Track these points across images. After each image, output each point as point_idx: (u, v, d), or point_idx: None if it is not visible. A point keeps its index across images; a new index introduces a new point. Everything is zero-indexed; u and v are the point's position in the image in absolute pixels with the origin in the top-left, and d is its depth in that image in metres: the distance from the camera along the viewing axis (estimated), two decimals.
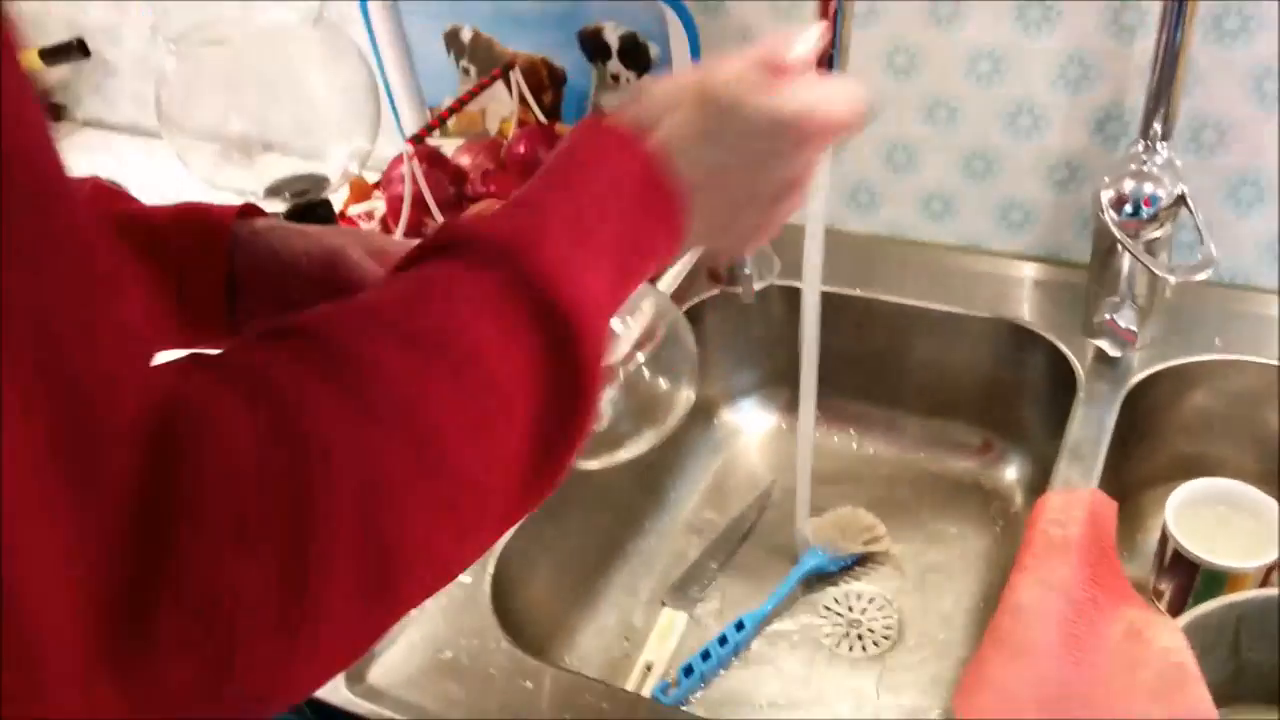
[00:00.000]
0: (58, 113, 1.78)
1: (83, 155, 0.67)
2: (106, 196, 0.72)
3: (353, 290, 0.60)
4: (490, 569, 0.89)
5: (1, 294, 0.27)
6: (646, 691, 0.94)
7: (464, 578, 0.89)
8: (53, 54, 1.60)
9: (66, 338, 0.29)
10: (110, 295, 0.32)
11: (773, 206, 0.57)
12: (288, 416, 0.35)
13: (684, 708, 0.92)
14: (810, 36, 0.57)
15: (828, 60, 0.80)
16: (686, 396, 0.71)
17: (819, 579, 1.04)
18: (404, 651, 0.84)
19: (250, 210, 0.72)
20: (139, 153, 1.61)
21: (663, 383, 0.70)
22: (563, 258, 0.46)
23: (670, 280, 1.19)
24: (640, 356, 0.68)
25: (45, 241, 0.29)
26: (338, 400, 0.37)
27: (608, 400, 0.67)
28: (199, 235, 0.68)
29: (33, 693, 0.28)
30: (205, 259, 0.67)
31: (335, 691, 0.81)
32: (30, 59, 1.67)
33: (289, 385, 0.37)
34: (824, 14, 0.81)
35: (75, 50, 1.61)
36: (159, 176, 1.38)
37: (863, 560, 1.05)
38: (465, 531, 0.42)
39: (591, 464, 0.70)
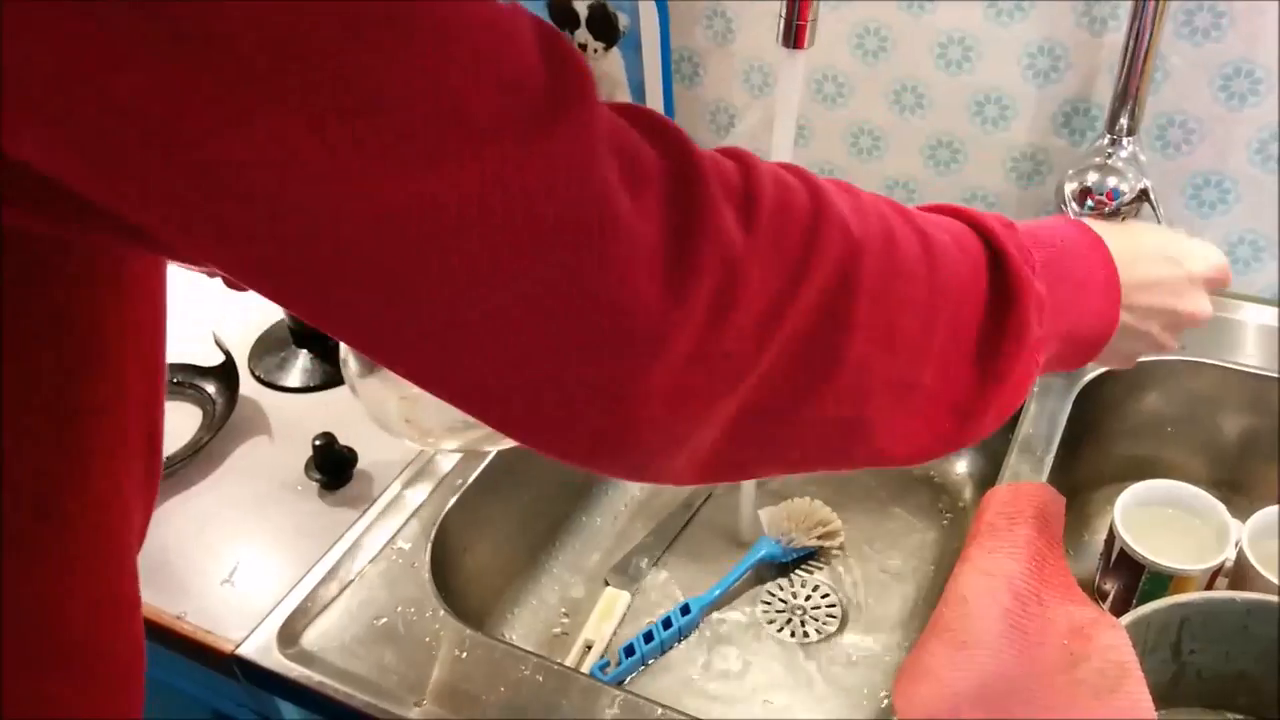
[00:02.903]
0: None
1: None
2: None
3: None
4: (431, 536, 0.88)
5: None
6: (585, 670, 0.93)
7: (403, 544, 0.87)
8: None
9: None
10: None
11: (1160, 334, 0.65)
12: (816, 194, 0.45)
13: (622, 687, 0.91)
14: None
15: (792, 37, 0.79)
16: None
17: (765, 564, 1.03)
18: (340, 617, 0.82)
19: None
20: None
21: None
22: (1028, 262, 0.55)
23: None
24: None
25: None
26: (851, 210, 0.47)
27: None
28: None
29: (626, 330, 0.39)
30: None
31: (267, 654, 0.79)
32: None
33: (812, 181, 0.47)
34: None
35: None
36: None
37: (813, 552, 1.04)
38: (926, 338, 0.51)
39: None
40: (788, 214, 0.44)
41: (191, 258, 0.43)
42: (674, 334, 0.40)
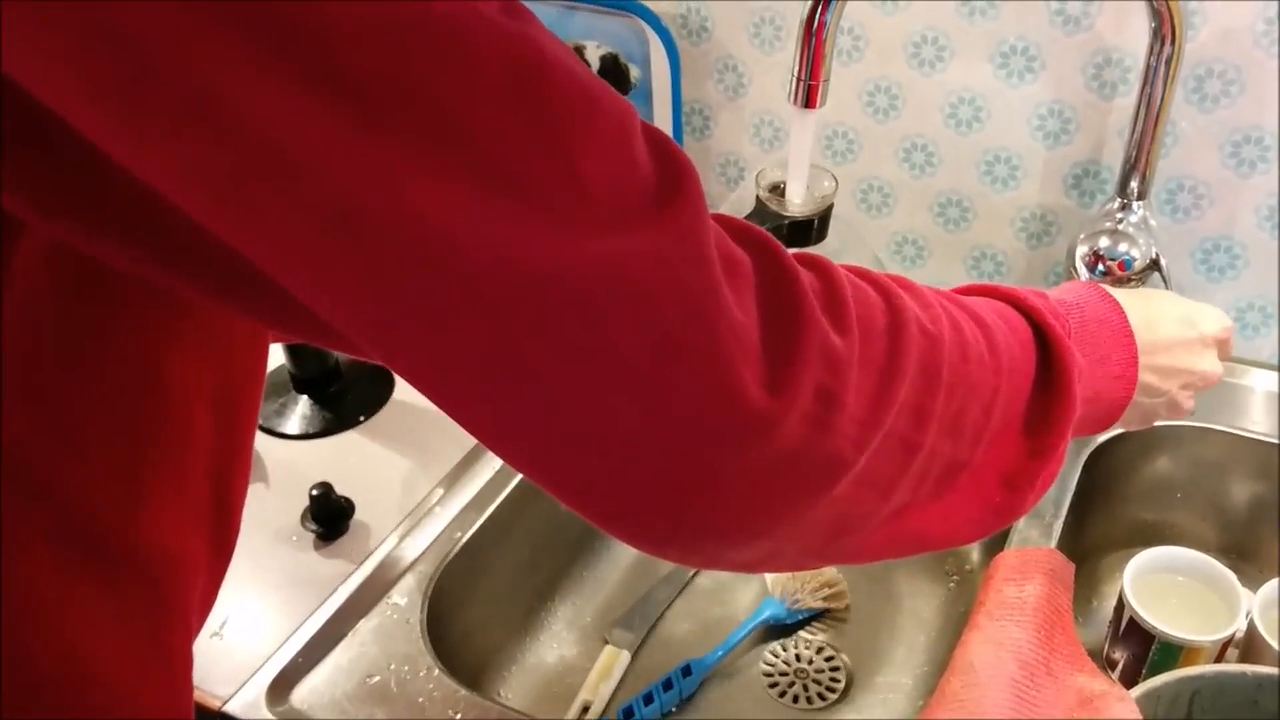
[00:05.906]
0: None
1: None
2: None
3: None
4: (427, 592, 0.86)
5: None
6: None
7: (399, 599, 0.86)
8: None
9: None
10: None
11: (1178, 394, 0.67)
12: (887, 294, 0.47)
13: None
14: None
15: (804, 97, 0.79)
16: None
17: (769, 626, 1.01)
18: (330, 674, 0.80)
19: None
20: None
21: None
22: (1066, 331, 0.58)
23: None
24: None
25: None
26: (919, 306, 0.49)
27: None
28: None
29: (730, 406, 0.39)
30: None
31: (255, 711, 0.77)
32: None
33: (878, 280, 0.49)
34: (806, 48, 0.79)
35: None
36: None
37: (819, 614, 1.02)
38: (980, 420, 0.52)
39: None
40: (870, 316, 0.45)
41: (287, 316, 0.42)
42: (773, 426, 0.40)
